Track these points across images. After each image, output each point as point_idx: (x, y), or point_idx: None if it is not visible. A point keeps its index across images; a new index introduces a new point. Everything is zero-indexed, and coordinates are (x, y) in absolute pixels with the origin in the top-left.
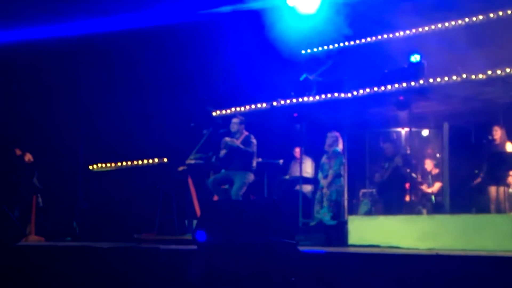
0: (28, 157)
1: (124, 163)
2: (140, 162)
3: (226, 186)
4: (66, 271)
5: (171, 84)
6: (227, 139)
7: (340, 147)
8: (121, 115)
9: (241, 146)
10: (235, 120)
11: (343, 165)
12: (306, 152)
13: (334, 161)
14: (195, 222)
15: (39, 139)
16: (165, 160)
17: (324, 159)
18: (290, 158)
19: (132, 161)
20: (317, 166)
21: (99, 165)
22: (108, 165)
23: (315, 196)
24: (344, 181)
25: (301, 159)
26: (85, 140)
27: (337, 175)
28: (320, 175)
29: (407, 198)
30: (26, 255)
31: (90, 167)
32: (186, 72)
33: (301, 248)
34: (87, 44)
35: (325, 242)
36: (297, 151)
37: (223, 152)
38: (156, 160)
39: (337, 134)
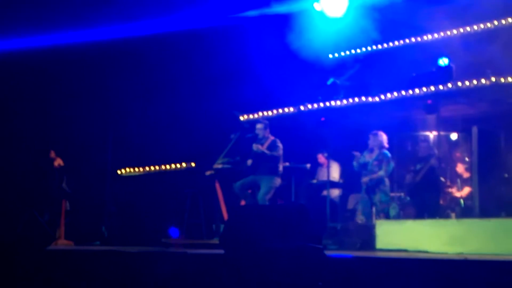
0: (58, 161)
1: (152, 168)
2: (167, 166)
3: (251, 191)
4: (95, 275)
5: (198, 89)
6: (255, 146)
7: (386, 146)
8: (149, 119)
9: (266, 151)
10: (259, 125)
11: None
12: (333, 156)
13: (385, 165)
14: (222, 226)
15: (67, 144)
16: (193, 164)
17: (368, 157)
18: (317, 163)
19: (159, 165)
20: (344, 170)
21: (127, 169)
22: (136, 169)
23: (362, 197)
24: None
25: (328, 163)
26: (113, 145)
27: (382, 179)
28: (364, 176)
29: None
30: (56, 259)
31: (118, 172)
32: (213, 76)
33: (328, 253)
34: (114, 49)
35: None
36: (320, 157)
37: (249, 162)
38: (183, 164)
39: (383, 133)
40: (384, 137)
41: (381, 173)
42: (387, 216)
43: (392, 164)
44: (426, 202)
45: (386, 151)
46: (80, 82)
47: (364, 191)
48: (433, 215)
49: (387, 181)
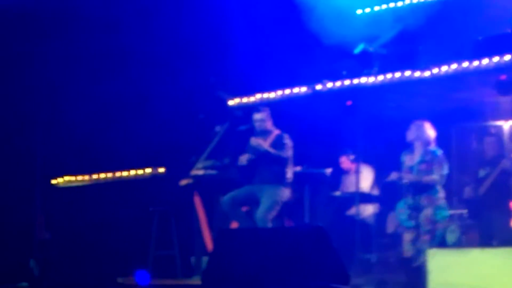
0: None
1: (102, 175)
2: (124, 173)
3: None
4: None
5: (168, 60)
6: (253, 140)
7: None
8: (97, 106)
9: (271, 150)
10: (258, 116)
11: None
12: (364, 158)
13: (438, 166)
14: (205, 259)
15: None
16: (161, 170)
17: (408, 160)
18: (340, 167)
19: (113, 172)
20: (380, 178)
21: (65, 178)
22: (79, 178)
23: (403, 218)
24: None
25: (357, 168)
26: (44, 143)
27: (433, 187)
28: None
29: None
30: None
31: (53, 182)
32: (189, 42)
33: None
34: (45, 4)
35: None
36: (345, 160)
37: (244, 158)
38: (148, 170)
39: (430, 126)
40: (431, 132)
41: (435, 177)
42: (443, 243)
43: (447, 168)
44: (494, 224)
45: (436, 149)
46: None
47: (411, 196)
48: (505, 242)
49: (441, 191)
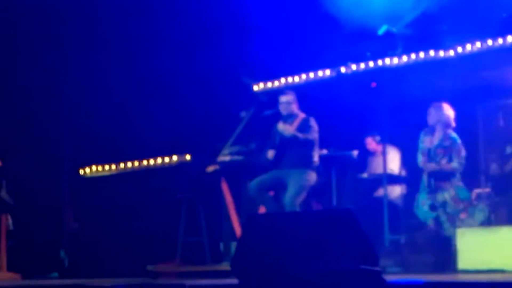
0: None
1: (129, 164)
2: (151, 161)
3: (274, 193)
4: None
5: (193, 45)
6: (280, 125)
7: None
8: (122, 92)
9: (298, 134)
10: (284, 98)
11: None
12: (390, 139)
13: (457, 153)
14: (234, 245)
15: (6, 135)
16: (188, 157)
17: (427, 142)
18: (367, 149)
19: (139, 160)
20: (406, 159)
21: (93, 168)
22: (106, 167)
23: (425, 209)
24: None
25: (383, 149)
26: (71, 132)
27: (453, 173)
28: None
29: None
30: None
31: (81, 172)
32: (214, 26)
33: (389, 278)
34: None
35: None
36: (371, 142)
37: (271, 154)
38: (174, 158)
39: (449, 107)
40: (450, 113)
41: (454, 165)
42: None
43: (463, 153)
44: None
45: (454, 134)
46: (15, 44)
47: (427, 182)
48: None
49: (458, 176)
